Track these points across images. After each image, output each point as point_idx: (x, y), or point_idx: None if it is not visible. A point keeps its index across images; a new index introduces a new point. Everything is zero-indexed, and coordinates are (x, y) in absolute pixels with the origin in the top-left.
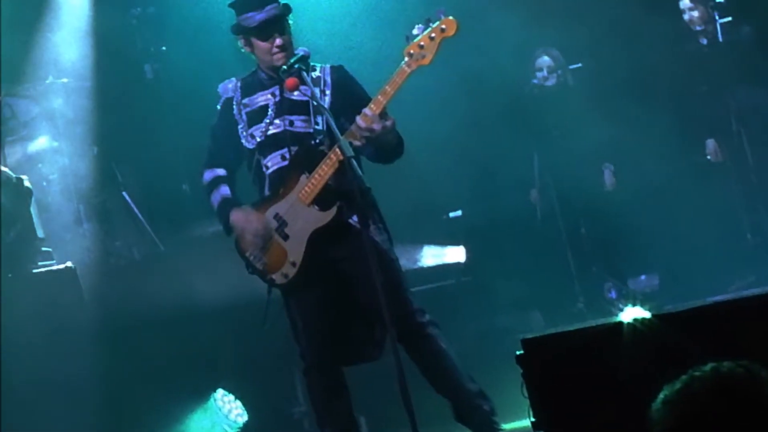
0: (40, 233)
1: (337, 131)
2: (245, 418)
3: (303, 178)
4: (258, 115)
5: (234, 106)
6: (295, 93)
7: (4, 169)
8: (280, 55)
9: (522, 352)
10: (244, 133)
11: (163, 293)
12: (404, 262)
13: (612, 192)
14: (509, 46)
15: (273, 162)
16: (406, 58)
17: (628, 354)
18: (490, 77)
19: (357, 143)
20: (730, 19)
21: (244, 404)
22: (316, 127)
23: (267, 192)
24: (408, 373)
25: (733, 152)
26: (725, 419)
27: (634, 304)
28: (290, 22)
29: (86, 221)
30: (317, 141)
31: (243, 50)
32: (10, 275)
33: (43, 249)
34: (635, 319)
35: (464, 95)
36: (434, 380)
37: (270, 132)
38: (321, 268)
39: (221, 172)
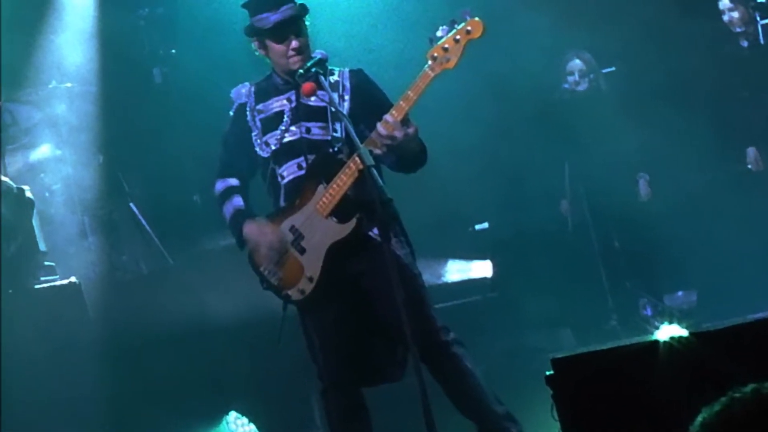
0: (42, 247)
1: (356, 139)
2: None
3: (320, 188)
4: (273, 122)
5: (247, 113)
6: (312, 98)
7: (4, 179)
8: (296, 59)
9: (552, 372)
10: (259, 140)
11: (172, 309)
12: (427, 277)
13: (647, 203)
14: (538, 49)
15: (289, 171)
16: (430, 62)
17: (664, 374)
18: (519, 81)
19: (377, 151)
20: None
21: (258, 427)
22: (335, 134)
23: (282, 203)
24: (431, 394)
25: None
26: None
27: (670, 322)
28: (307, 23)
29: (91, 234)
30: (335, 149)
31: (257, 53)
32: (10, 291)
33: (46, 263)
34: (672, 338)
35: (491, 100)
36: (459, 402)
37: (286, 139)
38: (339, 283)
39: (234, 182)
